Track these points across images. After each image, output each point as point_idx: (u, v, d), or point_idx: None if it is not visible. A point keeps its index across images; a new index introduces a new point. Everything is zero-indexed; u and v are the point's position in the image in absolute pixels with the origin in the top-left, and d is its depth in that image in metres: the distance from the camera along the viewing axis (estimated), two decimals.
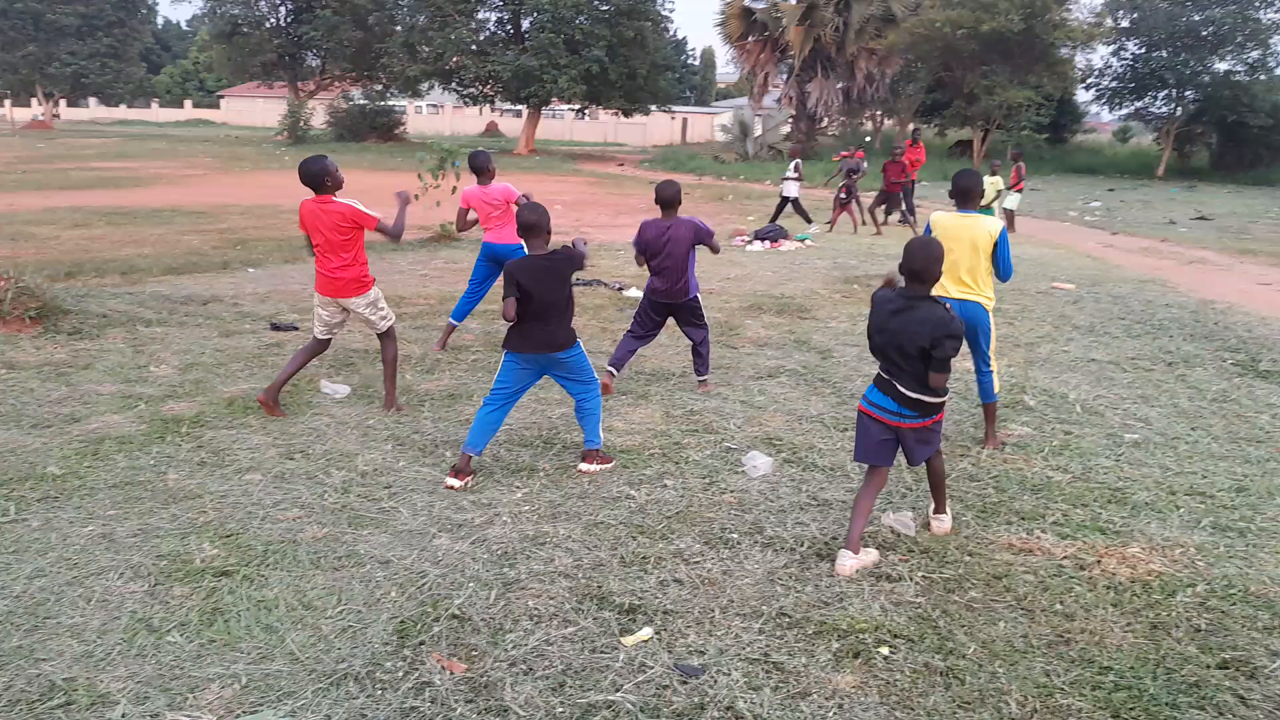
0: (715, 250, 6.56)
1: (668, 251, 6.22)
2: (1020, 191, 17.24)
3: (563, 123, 62.26)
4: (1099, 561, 4.15)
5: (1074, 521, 4.58)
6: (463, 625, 3.46)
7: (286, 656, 3.25)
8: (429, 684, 3.10)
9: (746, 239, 15.07)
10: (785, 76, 39.47)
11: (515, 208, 6.99)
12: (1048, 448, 5.64)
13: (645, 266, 6.41)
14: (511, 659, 3.26)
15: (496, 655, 3.28)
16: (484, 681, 3.12)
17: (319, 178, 5.48)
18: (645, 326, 6.58)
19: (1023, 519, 4.60)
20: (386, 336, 5.87)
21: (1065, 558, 4.19)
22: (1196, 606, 3.80)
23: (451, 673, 3.16)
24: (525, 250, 4.88)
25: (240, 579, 3.75)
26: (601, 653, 3.32)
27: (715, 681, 3.16)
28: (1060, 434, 5.91)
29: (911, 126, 32.50)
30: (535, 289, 4.67)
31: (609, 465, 5.06)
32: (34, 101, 57.88)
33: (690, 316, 6.52)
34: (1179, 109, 39.27)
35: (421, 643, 3.34)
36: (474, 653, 3.30)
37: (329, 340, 5.93)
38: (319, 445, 5.24)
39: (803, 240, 15.27)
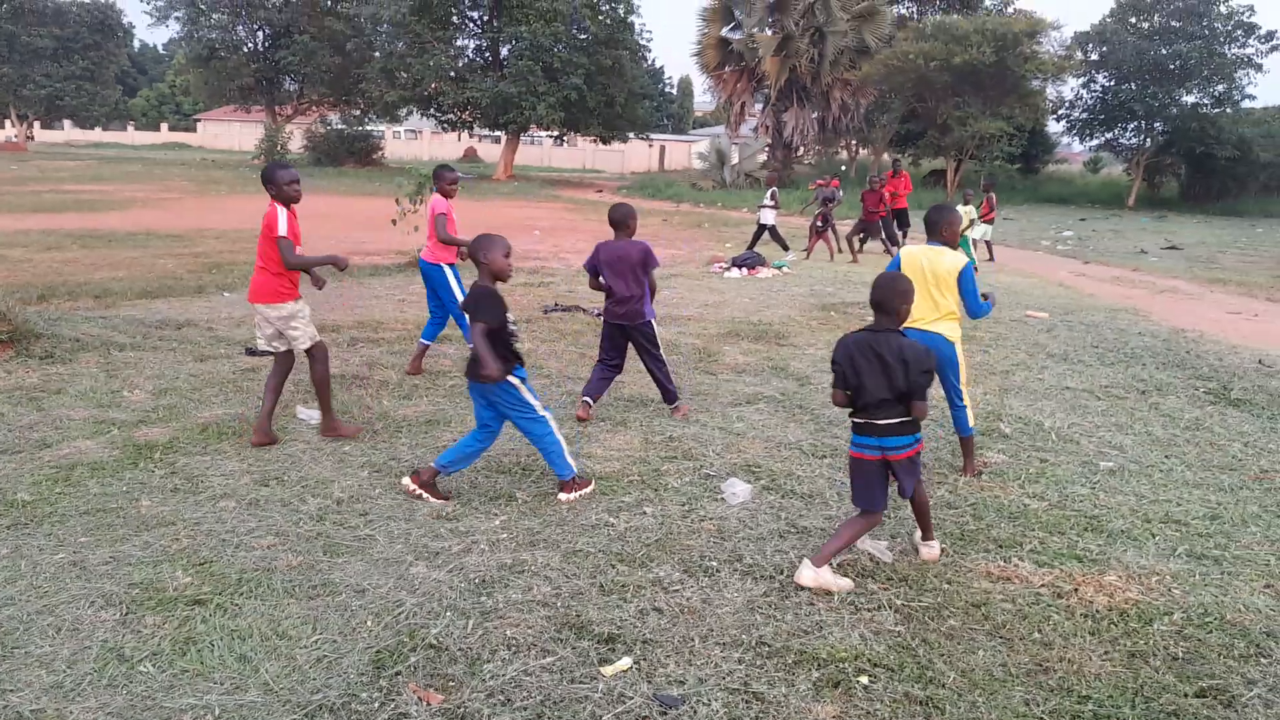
0: (652, 286, 6.51)
1: (618, 270, 6.34)
2: (991, 222, 17.47)
3: (541, 149, 62.52)
4: (1076, 590, 4.17)
5: (1051, 549, 4.60)
6: (440, 655, 3.42)
7: (260, 687, 3.19)
8: (405, 715, 3.05)
9: (724, 266, 15.14)
10: (761, 106, 39.91)
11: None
12: (1024, 475, 5.67)
13: (599, 288, 6.50)
14: (489, 689, 3.22)
15: (474, 686, 3.24)
16: (461, 713, 3.08)
17: (267, 179, 5.47)
18: (609, 351, 6.60)
19: (1000, 547, 4.62)
20: (312, 357, 5.75)
21: (1043, 586, 4.21)
22: (1173, 635, 3.82)
23: (428, 704, 3.12)
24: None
25: (214, 608, 3.69)
26: (580, 683, 3.29)
27: (695, 712, 3.14)
28: (1036, 461, 5.95)
29: (888, 156, 32.79)
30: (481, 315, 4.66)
31: (589, 489, 5.04)
32: (7, 123, 57.45)
33: (645, 342, 6.53)
34: (1148, 140, 40.01)
35: (398, 673, 3.30)
36: (451, 683, 3.26)
37: (289, 353, 5.78)
38: (294, 472, 5.19)
39: (779, 268, 15.36)
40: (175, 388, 6.77)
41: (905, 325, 4.44)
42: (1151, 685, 3.43)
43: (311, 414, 6.18)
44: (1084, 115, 41.39)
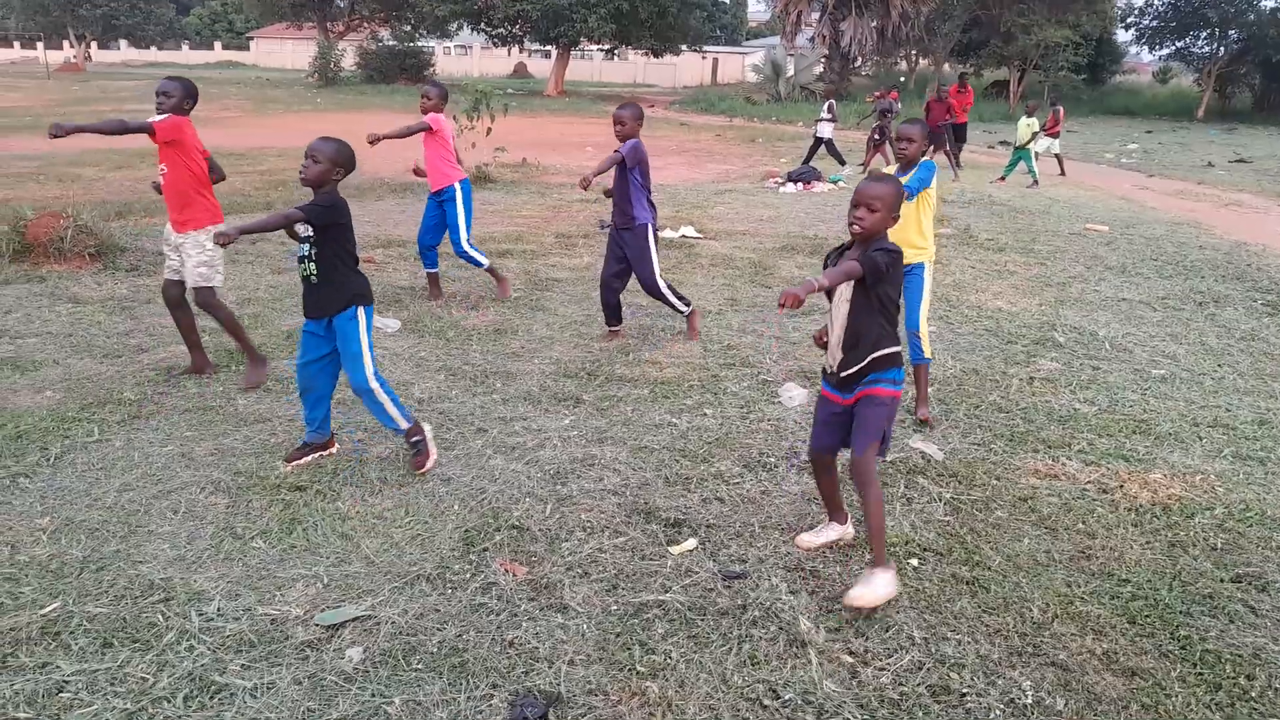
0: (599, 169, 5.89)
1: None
2: (1057, 136, 17.16)
3: (592, 64, 61.72)
4: (1121, 486, 4.36)
5: (1099, 450, 4.78)
6: (522, 535, 3.74)
7: (363, 560, 3.53)
8: (494, 584, 3.38)
9: (779, 181, 15.13)
10: (818, 15, 38.86)
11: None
12: (1076, 382, 5.82)
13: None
14: (568, 564, 3.53)
15: (554, 561, 3.55)
16: (544, 583, 3.40)
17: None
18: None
19: (1049, 447, 4.80)
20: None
21: (1089, 483, 4.40)
22: (1214, 528, 4.00)
23: (514, 575, 3.44)
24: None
25: (314, 493, 4.04)
26: (650, 560, 3.58)
27: (757, 585, 3.42)
28: (1089, 369, 6.08)
29: (949, 68, 31.96)
30: None
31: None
32: (65, 44, 58.08)
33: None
34: (1221, 49, 38.49)
35: (485, 549, 3.62)
36: (534, 558, 3.57)
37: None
38: None
39: (836, 182, 15.30)
40: (256, 298, 7.12)
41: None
42: (1189, 571, 3.64)
43: (388, 323, 6.49)
44: (1154, 23, 39.85)
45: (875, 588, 3.26)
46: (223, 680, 2.84)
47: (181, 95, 5.10)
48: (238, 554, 3.58)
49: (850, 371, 3.39)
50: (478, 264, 7.26)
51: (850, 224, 3.34)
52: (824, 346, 3.53)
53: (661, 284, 6.21)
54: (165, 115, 5.06)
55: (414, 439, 4.29)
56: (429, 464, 4.26)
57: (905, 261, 4.63)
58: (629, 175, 5.97)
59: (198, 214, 5.36)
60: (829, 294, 3.37)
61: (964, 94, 18.54)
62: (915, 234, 4.92)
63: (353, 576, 3.42)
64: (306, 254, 4.07)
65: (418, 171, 7.12)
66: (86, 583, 3.33)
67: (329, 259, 4.06)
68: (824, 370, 3.55)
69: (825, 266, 3.45)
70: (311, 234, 4.02)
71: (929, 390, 5.25)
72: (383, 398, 4.22)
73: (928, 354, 5.14)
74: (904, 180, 4.63)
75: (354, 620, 3.15)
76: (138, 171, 14.18)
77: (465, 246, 7.10)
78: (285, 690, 2.81)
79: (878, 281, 3.26)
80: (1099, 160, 21.56)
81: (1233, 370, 6.16)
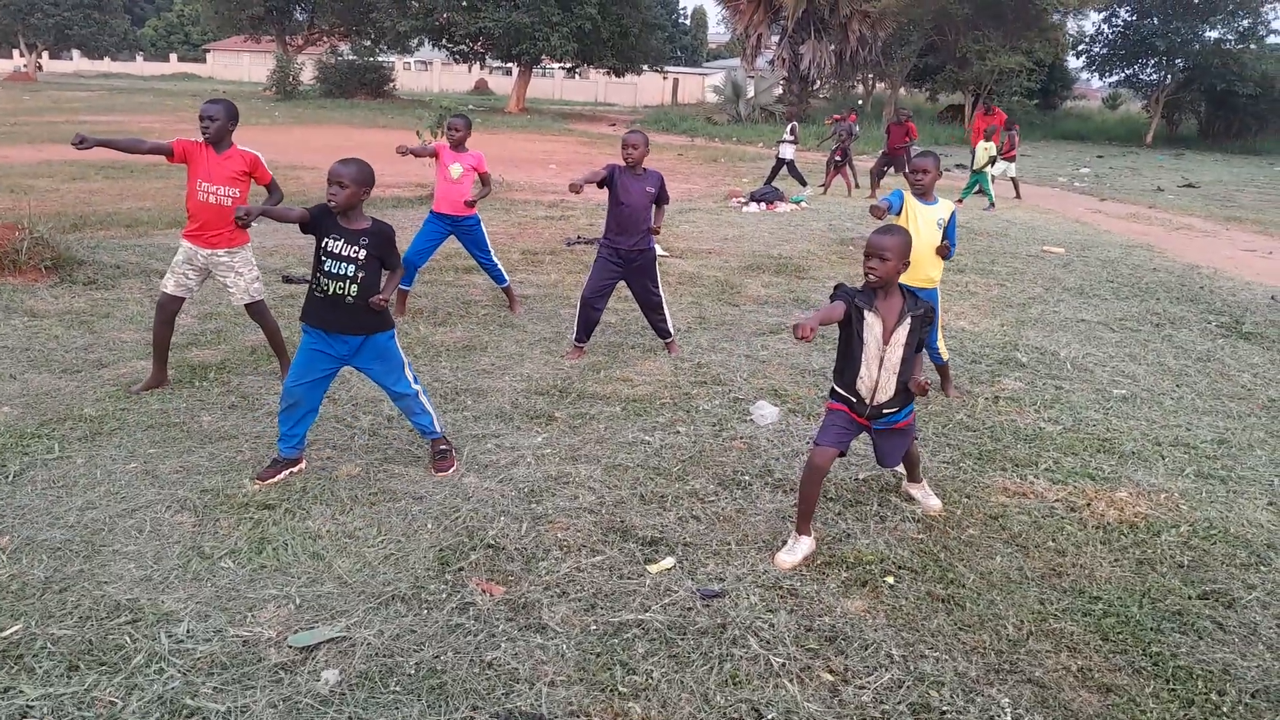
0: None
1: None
2: (1013, 159, 17.48)
3: (553, 82, 61.83)
4: (1089, 504, 4.42)
5: (1065, 468, 4.84)
6: (498, 554, 3.70)
7: (335, 580, 3.47)
8: (471, 604, 3.34)
9: (742, 201, 15.22)
10: (778, 38, 39.31)
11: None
12: (1040, 401, 5.90)
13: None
14: (546, 583, 3.50)
15: (531, 580, 3.52)
16: (522, 603, 3.36)
17: None
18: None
19: (1017, 466, 4.86)
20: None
21: (1057, 501, 4.46)
22: (1180, 545, 4.07)
23: (491, 595, 3.40)
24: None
25: (283, 512, 3.96)
26: (628, 578, 3.56)
27: (736, 604, 3.41)
28: (1052, 389, 6.17)
29: (904, 94, 32.44)
30: None
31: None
32: (16, 53, 56.97)
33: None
34: (1168, 77, 39.52)
35: (461, 568, 3.58)
36: (510, 578, 3.54)
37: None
38: (345, 392, 5.43)
39: (797, 202, 15.44)
40: (219, 313, 7.01)
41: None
42: (1158, 588, 3.69)
43: None
44: (1104, 50, 40.85)
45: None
46: (195, 704, 2.77)
47: (225, 118, 5.24)
48: (206, 574, 3.50)
49: (891, 408, 3.81)
50: (504, 280, 7.53)
51: (865, 274, 3.67)
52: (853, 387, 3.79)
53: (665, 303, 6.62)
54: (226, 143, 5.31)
55: (443, 446, 4.52)
56: (450, 470, 4.45)
57: (923, 288, 5.30)
58: (654, 205, 6.34)
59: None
60: (858, 333, 3.70)
61: (991, 116, 18.59)
62: (930, 267, 5.46)
63: (326, 597, 3.36)
64: (349, 275, 4.07)
65: (401, 150, 7.05)
66: (50, 604, 3.24)
67: (373, 283, 4.14)
68: (842, 396, 3.85)
69: (832, 299, 3.75)
70: (361, 257, 4.08)
71: (950, 377, 6.06)
72: (425, 401, 4.46)
73: (945, 357, 5.91)
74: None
75: (329, 642, 3.09)
76: (92, 184, 13.95)
77: (497, 261, 7.47)
78: (260, 714, 2.75)
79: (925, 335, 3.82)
80: (1053, 184, 21.98)
81: (1191, 390, 6.29)
